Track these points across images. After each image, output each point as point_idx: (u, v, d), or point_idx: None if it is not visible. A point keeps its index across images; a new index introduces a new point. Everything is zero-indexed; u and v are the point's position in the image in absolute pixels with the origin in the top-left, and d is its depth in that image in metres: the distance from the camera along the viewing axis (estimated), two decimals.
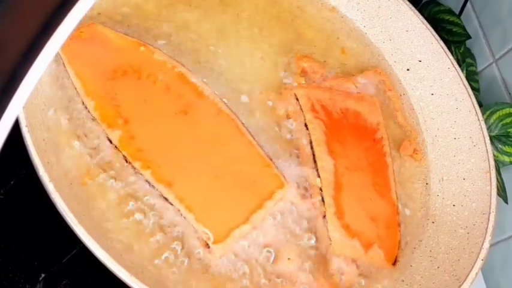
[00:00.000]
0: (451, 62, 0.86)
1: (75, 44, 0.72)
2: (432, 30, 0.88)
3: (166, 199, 0.66)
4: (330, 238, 0.71)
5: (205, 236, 0.65)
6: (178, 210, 0.66)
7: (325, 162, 0.75)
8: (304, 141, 0.76)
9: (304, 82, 0.81)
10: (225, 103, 0.74)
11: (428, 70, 0.88)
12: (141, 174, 0.66)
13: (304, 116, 0.78)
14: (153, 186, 0.66)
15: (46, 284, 0.67)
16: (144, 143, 0.68)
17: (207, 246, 0.65)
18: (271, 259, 0.67)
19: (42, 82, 0.69)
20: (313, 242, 0.70)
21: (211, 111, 0.73)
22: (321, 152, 0.75)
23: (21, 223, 0.69)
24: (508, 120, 0.87)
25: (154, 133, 0.69)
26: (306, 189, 0.73)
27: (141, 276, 0.59)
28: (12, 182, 0.69)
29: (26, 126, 0.60)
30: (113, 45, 0.74)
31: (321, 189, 0.73)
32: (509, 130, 0.87)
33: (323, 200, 0.72)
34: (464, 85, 0.85)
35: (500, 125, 0.87)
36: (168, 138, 0.70)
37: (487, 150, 0.80)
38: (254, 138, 0.73)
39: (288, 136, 0.77)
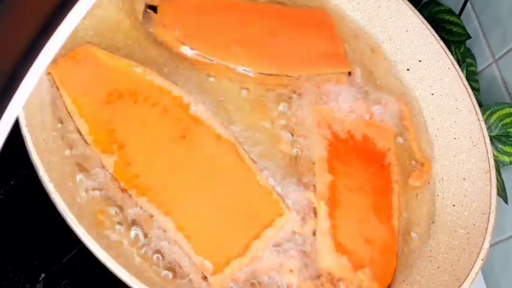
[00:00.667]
0: (451, 62, 0.86)
1: (68, 65, 0.71)
2: (432, 30, 0.88)
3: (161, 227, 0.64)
4: (317, 253, 0.69)
5: (203, 266, 0.63)
6: (175, 241, 0.64)
7: (323, 178, 0.74)
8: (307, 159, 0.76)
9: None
10: (224, 127, 0.72)
11: (428, 70, 0.88)
12: (136, 202, 0.65)
13: (310, 133, 0.77)
14: (149, 215, 0.64)
15: (46, 284, 0.67)
16: (140, 169, 0.66)
17: (205, 278, 0.63)
18: None
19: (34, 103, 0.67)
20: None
21: (211, 135, 0.71)
22: (320, 168, 0.75)
23: (21, 223, 0.69)
24: (508, 120, 0.87)
25: (151, 159, 0.67)
26: (307, 214, 0.72)
27: (142, 277, 0.59)
28: (12, 182, 0.69)
29: (26, 126, 0.60)
30: (108, 67, 0.72)
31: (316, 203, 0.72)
32: (509, 130, 0.87)
33: (315, 215, 0.72)
34: (464, 85, 0.85)
35: (500, 125, 0.87)
36: (165, 164, 0.67)
37: (487, 150, 0.80)
38: (255, 162, 0.71)
39: (293, 152, 0.76)
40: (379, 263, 0.72)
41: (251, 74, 0.79)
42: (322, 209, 0.72)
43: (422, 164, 0.83)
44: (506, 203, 0.87)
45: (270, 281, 0.66)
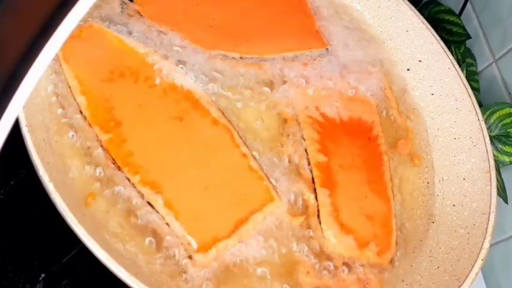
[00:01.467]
0: (451, 62, 0.86)
1: (73, 42, 0.71)
2: (432, 30, 0.88)
3: (152, 206, 0.65)
4: (324, 237, 0.70)
5: (188, 244, 0.63)
6: (163, 218, 0.64)
7: (319, 161, 0.74)
8: (298, 142, 0.76)
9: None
10: (222, 112, 0.73)
11: (429, 70, 0.88)
12: (129, 179, 0.65)
13: (297, 115, 0.77)
14: (140, 193, 0.65)
15: (46, 284, 0.67)
16: (135, 147, 0.67)
17: (190, 257, 0.63)
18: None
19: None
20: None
21: (208, 119, 0.71)
22: (313, 150, 0.75)
23: (21, 223, 0.68)
24: (508, 120, 0.87)
25: (147, 138, 0.68)
26: (298, 205, 0.72)
27: (141, 276, 0.59)
28: (12, 182, 0.69)
29: (26, 126, 0.60)
30: (112, 47, 0.73)
31: (314, 189, 0.73)
32: (509, 130, 0.87)
33: (317, 199, 0.72)
34: (464, 85, 0.85)
35: (500, 125, 0.87)
36: (160, 144, 0.68)
37: (487, 150, 0.80)
38: (249, 149, 0.72)
39: (284, 139, 0.76)
40: (381, 237, 0.73)
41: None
42: (323, 194, 0.72)
43: (406, 131, 0.84)
44: (506, 203, 0.87)
45: (248, 266, 0.67)
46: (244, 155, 0.71)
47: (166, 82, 0.73)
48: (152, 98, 0.71)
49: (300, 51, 0.83)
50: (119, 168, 0.65)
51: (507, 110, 0.87)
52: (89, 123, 0.67)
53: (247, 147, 0.72)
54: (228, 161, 0.70)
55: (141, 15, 0.78)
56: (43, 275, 0.67)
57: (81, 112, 0.68)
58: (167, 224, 0.64)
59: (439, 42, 0.87)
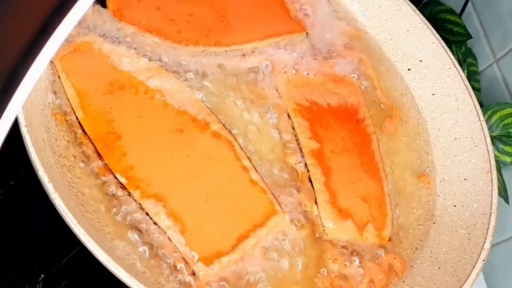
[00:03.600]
0: (452, 62, 0.86)
1: (71, 55, 0.71)
2: (433, 30, 0.88)
3: (153, 221, 0.64)
4: (323, 225, 0.70)
5: (190, 258, 0.62)
6: (165, 232, 0.63)
7: (310, 148, 0.75)
8: (289, 133, 0.76)
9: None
10: (222, 123, 0.72)
11: (429, 70, 0.88)
12: (129, 192, 0.65)
13: (285, 104, 0.77)
14: (141, 207, 0.64)
15: (45, 285, 0.66)
16: (135, 160, 0.66)
17: (193, 273, 0.63)
18: None
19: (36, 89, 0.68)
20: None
21: (208, 131, 0.71)
22: (305, 138, 0.75)
23: (21, 223, 0.68)
24: (509, 120, 0.87)
25: (147, 151, 0.67)
26: (302, 216, 0.72)
27: (141, 277, 0.59)
28: (11, 183, 0.69)
29: (25, 126, 0.59)
30: (111, 60, 0.73)
31: (309, 178, 0.73)
32: (510, 130, 0.87)
33: (313, 187, 0.72)
34: (465, 85, 0.85)
35: (501, 125, 0.87)
36: (161, 157, 0.67)
37: (488, 150, 0.80)
38: (251, 162, 0.71)
39: (276, 135, 0.76)
40: (379, 217, 0.74)
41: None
42: (318, 181, 0.72)
43: (391, 109, 0.85)
44: (508, 203, 0.87)
45: (255, 279, 0.66)
46: (245, 167, 0.70)
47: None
48: (152, 110, 0.70)
49: (280, 37, 0.82)
50: (120, 184, 0.65)
51: (508, 110, 0.87)
52: (88, 137, 0.66)
53: (249, 159, 0.71)
54: (229, 174, 0.69)
55: (116, 19, 0.77)
56: (42, 276, 0.66)
57: (80, 125, 0.67)
58: (169, 238, 0.63)
59: (439, 42, 0.87)
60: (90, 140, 0.66)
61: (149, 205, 0.64)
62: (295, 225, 0.70)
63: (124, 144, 0.66)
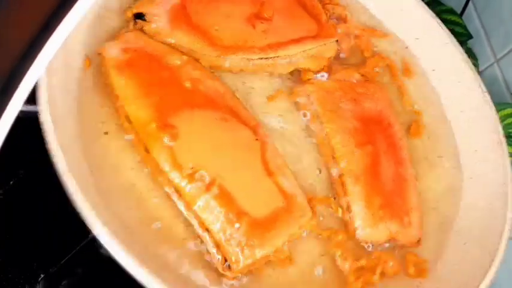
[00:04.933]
0: (448, 36, 0.86)
1: (119, 47, 0.71)
2: (426, 7, 0.87)
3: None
4: (356, 229, 0.72)
5: (223, 262, 0.64)
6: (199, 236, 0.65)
7: (343, 152, 0.75)
8: (322, 138, 0.77)
9: (311, 77, 0.81)
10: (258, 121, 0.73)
11: (427, 46, 0.88)
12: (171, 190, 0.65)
13: (318, 110, 0.78)
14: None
15: (45, 285, 0.66)
16: (187, 148, 0.67)
17: (228, 267, 0.64)
18: None
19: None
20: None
21: (250, 125, 0.71)
22: (337, 143, 0.76)
23: (21, 223, 0.68)
24: (509, 120, 0.87)
25: (198, 138, 0.68)
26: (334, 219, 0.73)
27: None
28: (11, 182, 0.69)
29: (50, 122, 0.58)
30: (157, 52, 0.73)
31: (342, 183, 0.74)
32: (510, 130, 0.87)
33: (345, 192, 0.73)
34: (463, 59, 0.85)
35: (502, 125, 0.87)
36: (210, 145, 0.68)
37: (494, 120, 0.81)
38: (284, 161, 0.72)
39: (309, 140, 0.77)
40: (410, 222, 0.74)
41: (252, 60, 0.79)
42: (353, 185, 0.73)
43: (417, 114, 0.85)
44: None
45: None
46: (278, 167, 0.70)
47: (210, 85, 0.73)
48: (198, 99, 0.71)
49: (314, 42, 0.82)
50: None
51: (509, 110, 0.87)
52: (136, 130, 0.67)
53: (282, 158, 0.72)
54: (261, 172, 0.69)
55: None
56: (42, 276, 0.66)
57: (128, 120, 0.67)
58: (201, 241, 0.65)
59: (434, 18, 0.87)
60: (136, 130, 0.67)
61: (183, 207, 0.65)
62: (327, 228, 0.71)
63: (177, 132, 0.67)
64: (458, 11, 1.00)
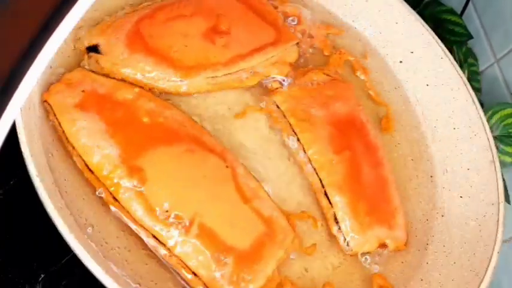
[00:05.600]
0: (443, 51, 0.86)
1: (62, 89, 0.67)
2: (422, 21, 0.87)
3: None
4: (345, 240, 0.72)
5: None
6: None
7: (321, 163, 0.74)
8: (298, 149, 0.76)
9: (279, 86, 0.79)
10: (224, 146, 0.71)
11: (421, 61, 0.87)
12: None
13: (288, 121, 0.76)
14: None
15: (45, 285, 0.66)
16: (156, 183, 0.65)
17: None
18: None
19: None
20: None
21: (216, 152, 0.69)
22: (314, 152, 0.75)
23: (21, 223, 0.68)
24: (509, 120, 0.87)
25: (166, 173, 0.66)
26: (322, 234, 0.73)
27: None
28: (11, 182, 0.69)
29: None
30: (106, 89, 0.69)
31: (325, 193, 0.73)
32: (510, 130, 0.87)
33: (331, 204, 0.73)
34: (458, 74, 0.84)
35: (502, 125, 0.87)
36: (180, 179, 0.66)
37: (488, 138, 0.80)
38: (259, 183, 0.71)
39: (284, 153, 0.76)
40: (395, 224, 0.74)
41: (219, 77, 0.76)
42: (336, 194, 0.73)
43: (385, 107, 0.85)
44: (509, 203, 0.87)
45: None
46: (253, 189, 0.69)
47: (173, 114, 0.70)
48: (158, 133, 0.68)
49: (276, 48, 0.80)
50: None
51: (509, 110, 0.87)
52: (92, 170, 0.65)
53: (256, 180, 0.71)
54: (237, 196, 0.68)
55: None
56: (42, 276, 0.66)
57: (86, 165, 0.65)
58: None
59: (429, 33, 0.87)
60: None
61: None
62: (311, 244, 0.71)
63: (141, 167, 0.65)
64: (459, 11, 0.99)
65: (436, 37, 0.86)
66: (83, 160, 0.64)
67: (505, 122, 0.87)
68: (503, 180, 0.86)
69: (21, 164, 0.58)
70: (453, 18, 0.98)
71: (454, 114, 0.84)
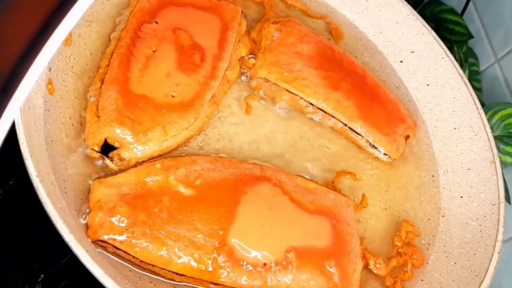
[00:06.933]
0: (444, 51, 0.86)
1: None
2: (422, 20, 0.87)
3: None
4: (386, 156, 0.79)
5: None
6: None
7: (332, 106, 0.78)
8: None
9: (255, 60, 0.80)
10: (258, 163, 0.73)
11: (422, 61, 0.87)
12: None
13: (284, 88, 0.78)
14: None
15: (45, 285, 0.66)
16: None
17: None
18: None
19: None
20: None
21: (263, 177, 0.70)
22: (308, 94, 0.78)
23: (21, 223, 0.68)
24: (510, 120, 0.87)
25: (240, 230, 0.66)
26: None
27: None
28: (11, 182, 0.69)
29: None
30: (137, 187, 0.65)
31: (350, 128, 0.78)
32: (511, 130, 0.87)
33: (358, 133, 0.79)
34: (459, 74, 0.84)
35: (502, 125, 0.87)
36: (258, 231, 0.66)
37: (488, 138, 0.80)
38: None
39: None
40: (406, 112, 0.84)
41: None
42: (356, 123, 0.79)
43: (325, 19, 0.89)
44: (510, 203, 0.87)
45: None
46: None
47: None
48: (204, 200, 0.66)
49: (234, 31, 0.79)
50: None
51: (509, 110, 0.87)
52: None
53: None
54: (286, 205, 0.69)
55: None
56: (42, 276, 0.66)
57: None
58: None
59: (430, 32, 0.87)
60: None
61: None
62: None
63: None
64: (459, 11, 0.99)
65: (437, 37, 0.86)
66: (170, 271, 0.63)
67: (505, 122, 0.87)
68: (504, 180, 0.86)
69: (20, 164, 0.58)
70: (454, 18, 0.98)
71: (455, 114, 0.84)
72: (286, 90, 0.78)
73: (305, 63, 0.79)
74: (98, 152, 0.66)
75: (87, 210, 0.63)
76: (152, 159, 0.68)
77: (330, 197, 0.71)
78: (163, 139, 0.68)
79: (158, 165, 0.66)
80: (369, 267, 0.71)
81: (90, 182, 0.65)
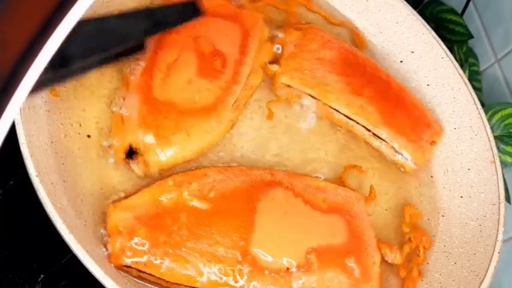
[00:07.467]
0: (444, 51, 0.86)
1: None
2: (422, 20, 0.87)
3: None
4: (413, 162, 0.79)
5: None
6: None
7: (355, 112, 0.78)
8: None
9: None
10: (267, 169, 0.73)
11: (422, 61, 0.88)
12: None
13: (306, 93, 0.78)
14: None
15: (45, 285, 0.66)
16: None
17: None
18: None
19: None
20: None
21: (274, 182, 0.70)
22: (344, 107, 0.78)
23: (21, 223, 0.68)
24: (510, 120, 0.87)
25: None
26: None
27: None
28: (11, 182, 0.69)
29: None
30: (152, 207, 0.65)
31: (367, 129, 0.78)
32: (511, 130, 0.87)
33: (382, 139, 0.78)
34: (459, 74, 0.84)
35: (502, 125, 0.87)
36: (272, 239, 0.66)
37: (489, 138, 0.80)
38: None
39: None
40: (432, 118, 0.84)
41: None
42: (379, 128, 0.79)
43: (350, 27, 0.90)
44: (510, 203, 0.87)
45: None
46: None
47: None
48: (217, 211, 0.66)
49: (255, 38, 0.80)
50: None
51: (509, 110, 0.87)
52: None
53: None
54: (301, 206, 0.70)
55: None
56: (42, 276, 0.66)
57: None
58: None
59: (430, 32, 0.87)
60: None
61: None
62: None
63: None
64: (459, 11, 0.99)
65: (437, 37, 0.86)
66: (196, 287, 0.63)
67: (505, 122, 0.87)
68: (504, 180, 0.86)
69: (20, 164, 0.58)
70: (454, 17, 0.98)
71: (455, 114, 0.84)
72: (309, 95, 0.78)
73: (328, 69, 0.79)
74: (123, 157, 0.67)
75: (106, 238, 0.62)
76: (169, 170, 0.68)
77: (340, 194, 0.72)
78: (187, 143, 0.69)
79: (170, 182, 0.66)
80: (385, 257, 0.71)
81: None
